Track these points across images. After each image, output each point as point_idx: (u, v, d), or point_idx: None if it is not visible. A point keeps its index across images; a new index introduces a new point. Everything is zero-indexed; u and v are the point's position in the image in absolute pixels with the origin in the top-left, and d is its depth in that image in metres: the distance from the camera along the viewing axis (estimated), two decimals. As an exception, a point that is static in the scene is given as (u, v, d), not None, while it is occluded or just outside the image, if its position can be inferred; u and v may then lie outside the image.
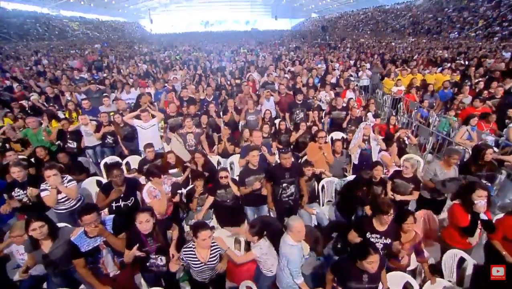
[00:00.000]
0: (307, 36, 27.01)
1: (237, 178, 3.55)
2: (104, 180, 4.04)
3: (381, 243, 2.48)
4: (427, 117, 6.00)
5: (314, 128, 4.52)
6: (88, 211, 2.18)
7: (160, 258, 2.38)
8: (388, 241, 2.48)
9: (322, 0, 47.89)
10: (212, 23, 56.12)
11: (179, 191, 3.34)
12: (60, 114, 5.62)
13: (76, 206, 3.11)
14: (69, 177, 3.07)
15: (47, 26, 29.84)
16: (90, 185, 3.81)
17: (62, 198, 3.02)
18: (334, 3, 46.43)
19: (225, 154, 4.56)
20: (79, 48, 19.69)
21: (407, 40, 20.60)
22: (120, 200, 2.89)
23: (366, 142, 4.12)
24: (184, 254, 2.27)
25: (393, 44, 18.28)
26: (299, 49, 16.43)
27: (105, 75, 9.42)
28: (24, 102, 6.37)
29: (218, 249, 2.34)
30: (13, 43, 21.47)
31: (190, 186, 3.63)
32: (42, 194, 2.90)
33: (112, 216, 2.46)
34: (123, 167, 4.35)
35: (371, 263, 1.97)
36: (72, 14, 37.59)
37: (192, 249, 2.26)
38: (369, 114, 5.14)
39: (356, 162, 4.12)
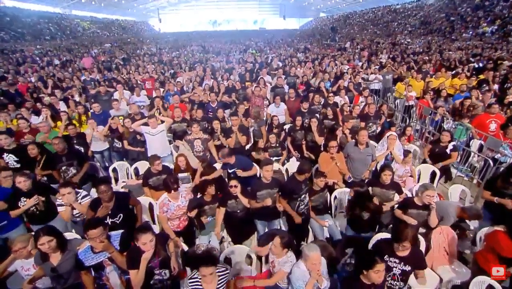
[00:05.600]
0: (315, 37, 26.70)
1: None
2: (113, 186, 4.01)
3: (399, 269, 2.35)
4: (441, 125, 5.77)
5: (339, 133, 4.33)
6: (94, 226, 2.11)
7: (164, 272, 2.31)
8: (408, 268, 2.32)
9: (330, 0, 47.34)
10: (220, 22, 56.24)
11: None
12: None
13: None
14: (84, 193, 3.05)
15: (58, 25, 30.34)
16: (99, 192, 3.75)
17: (77, 213, 3.02)
18: (343, 2, 45.81)
19: (238, 150, 4.36)
20: (88, 47, 19.90)
21: (418, 40, 20.12)
22: (108, 217, 2.79)
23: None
24: (190, 286, 2.15)
25: (404, 44, 17.89)
26: (308, 50, 16.22)
27: (114, 76, 9.46)
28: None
29: (225, 278, 2.22)
30: (26, 43, 21.86)
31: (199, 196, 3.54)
32: (59, 209, 2.94)
33: (120, 231, 2.39)
34: (131, 172, 4.32)
35: (378, 272, 1.96)
36: (83, 13, 38.15)
37: (197, 280, 2.13)
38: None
39: None
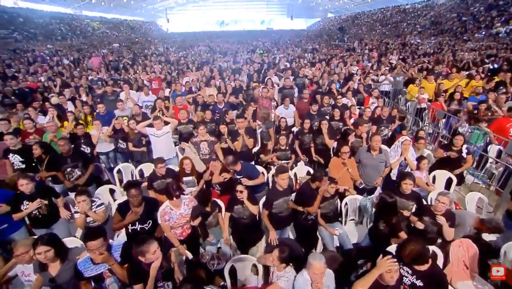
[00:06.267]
0: (323, 37, 26.42)
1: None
2: (117, 188, 3.96)
3: (409, 280, 2.18)
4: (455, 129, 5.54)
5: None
6: (94, 237, 2.00)
7: (167, 284, 2.20)
8: (420, 283, 2.14)
9: (338, 0, 46.84)
10: (228, 22, 56.38)
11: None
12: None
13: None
14: (99, 201, 3.02)
15: (69, 26, 30.85)
16: (103, 194, 3.70)
17: (91, 220, 2.97)
18: (351, 2, 45.29)
19: (245, 153, 4.28)
20: (97, 47, 20.10)
21: (428, 40, 19.67)
22: (137, 223, 2.72)
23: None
24: None
25: (414, 45, 17.50)
26: (316, 51, 16.01)
27: (122, 76, 9.47)
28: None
29: None
30: (38, 43, 22.26)
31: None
32: (75, 216, 2.91)
33: (122, 241, 2.29)
34: (136, 174, 4.25)
35: (390, 272, 1.91)
36: (93, 14, 38.70)
37: None
38: None
39: (395, 178, 3.80)
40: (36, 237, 2.40)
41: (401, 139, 3.68)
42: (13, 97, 7.06)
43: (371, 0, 40.38)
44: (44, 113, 5.74)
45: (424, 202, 3.35)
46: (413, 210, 3.14)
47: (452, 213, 2.93)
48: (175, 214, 2.78)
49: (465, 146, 4.12)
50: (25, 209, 2.87)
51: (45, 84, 8.44)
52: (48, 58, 14.82)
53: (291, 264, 2.34)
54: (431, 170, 4.14)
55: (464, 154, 3.97)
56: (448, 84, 7.09)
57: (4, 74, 9.96)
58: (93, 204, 2.97)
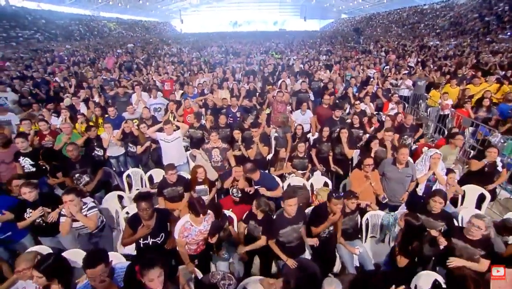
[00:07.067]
0: (337, 38, 25.89)
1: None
2: (126, 195, 3.84)
3: None
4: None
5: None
6: (94, 264, 1.78)
7: None
8: None
9: (353, 1, 45.96)
10: (241, 23, 56.48)
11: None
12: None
13: (96, 230, 2.86)
14: (91, 204, 2.79)
15: (88, 26, 31.75)
16: (111, 202, 3.58)
17: (80, 226, 2.77)
18: (366, 3, 44.33)
19: (259, 162, 4.06)
20: (113, 47, 20.44)
21: (448, 42, 18.84)
22: (149, 236, 2.56)
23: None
24: None
25: (433, 47, 16.80)
26: (331, 53, 15.62)
27: (135, 77, 9.46)
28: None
29: None
30: (58, 43, 22.96)
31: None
32: (60, 220, 2.69)
33: (125, 264, 2.11)
34: (146, 179, 4.14)
35: None
36: (110, 15, 39.67)
37: None
38: None
39: (420, 194, 3.49)
40: (38, 251, 2.28)
41: (429, 152, 3.35)
42: (29, 97, 7.15)
43: (387, 0, 39.35)
44: (58, 114, 5.75)
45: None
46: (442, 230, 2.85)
47: (489, 241, 2.57)
48: (194, 231, 2.60)
49: (498, 158, 3.77)
50: (28, 217, 2.77)
51: (61, 84, 8.54)
52: (66, 58, 15.14)
53: None
54: (459, 184, 3.80)
55: (499, 168, 3.61)
56: (474, 90, 6.62)
57: (23, 74, 10.20)
58: (84, 206, 2.72)
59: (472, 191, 3.65)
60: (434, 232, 2.79)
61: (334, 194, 2.72)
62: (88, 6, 36.67)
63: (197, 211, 2.47)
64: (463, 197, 3.67)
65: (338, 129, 4.10)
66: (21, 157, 3.73)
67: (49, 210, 2.82)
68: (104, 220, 3.00)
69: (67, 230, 2.68)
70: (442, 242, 2.64)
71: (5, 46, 19.44)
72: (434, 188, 3.35)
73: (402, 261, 2.58)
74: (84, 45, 22.03)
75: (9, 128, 5.10)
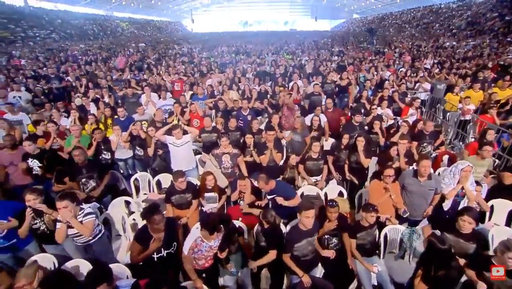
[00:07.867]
0: (349, 39, 25.37)
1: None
2: (133, 200, 3.74)
3: None
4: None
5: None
6: (96, 284, 1.68)
7: None
8: None
9: (365, 0, 45.06)
10: (251, 23, 56.43)
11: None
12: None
13: (93, 240, 2.73)
14: (88, 210, 2.65)
15: (101, 26, 32.36)
16: (118, 207, 3.47)
17: (75, 233, 2.64)
18: (378, 3, 43.37)
19: (272, 168, 3.87)
20: (125, 47, 20.66)
21: (465, 43, 18.11)
22: (162, 249, 2.45)
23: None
24: None
25: (449, 48, 16.18)
26: (343, 54, 15.25)
27: (145, 76, 9.42)
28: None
29: None
30: (73, 43, 23.45)
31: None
32: (57, 226, 2.58)
33: (130, 281, 1.98)
34: (153, 184, 4.03)
35: None
36: (123, 15, 40.32)
37: None
38: None
39: (446, 209, 3.23)
40: (38, 264, 2.18)
41: (460, 165, 3.07)
42: (42, 97, 7.20)
43: (400, 0, 38.37)
44: (69, 114, 5.73)
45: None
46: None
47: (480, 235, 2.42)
48: (205, 247, 2.49)
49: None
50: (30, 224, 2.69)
51: (73, 83, 8.60)
52: (79, 57, 15.35)
53: None
54: (486, 199, 3.51)
55: None
56: (502, 94, 6.24)
57: (37, 73, 10.35)
58: (80, 212, 2.60)
59: (502, 206, 3.34)
60: (461, 261, 2.52)
61: (329, 202, 2.77)
62: (102, 6, 37.47)
63: (212, 230, 2.37)
64: (491, 212, 3.40)
65: (356, 134, 3.88)
66: (29, 158, 3.69)
67: (54, 217, 2.71)
68: (102, 228, 2.86)
69: (63, 237, 2.57)
70: (474, 280, 2.34)
71: (23, 45, 19.99)
72: (462, 204, 3.09)
73: (420, 287, 2.36)
74: (98, 45, 22.37)
75: (20, 128, 5.10)
